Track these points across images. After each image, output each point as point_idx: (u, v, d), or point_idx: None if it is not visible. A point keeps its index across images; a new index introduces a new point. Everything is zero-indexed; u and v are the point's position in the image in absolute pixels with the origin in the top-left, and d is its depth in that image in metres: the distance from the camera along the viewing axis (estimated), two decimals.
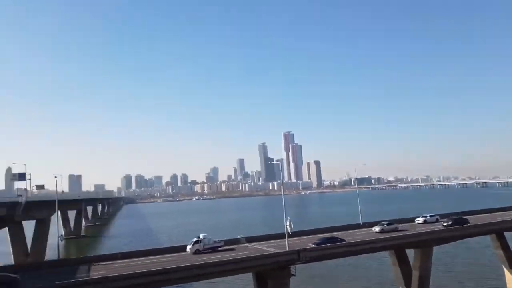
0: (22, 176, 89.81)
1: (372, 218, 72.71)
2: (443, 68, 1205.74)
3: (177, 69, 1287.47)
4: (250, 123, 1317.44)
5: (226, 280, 54.71)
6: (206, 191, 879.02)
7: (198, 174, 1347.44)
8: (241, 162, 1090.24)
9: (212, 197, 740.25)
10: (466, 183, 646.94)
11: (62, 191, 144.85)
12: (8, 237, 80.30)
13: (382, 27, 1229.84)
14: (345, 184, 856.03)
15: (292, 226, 45.80)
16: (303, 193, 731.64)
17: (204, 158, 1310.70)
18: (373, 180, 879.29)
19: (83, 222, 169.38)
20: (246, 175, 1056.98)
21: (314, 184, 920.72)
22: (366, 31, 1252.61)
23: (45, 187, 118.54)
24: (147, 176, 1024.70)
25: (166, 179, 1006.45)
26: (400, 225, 57.37)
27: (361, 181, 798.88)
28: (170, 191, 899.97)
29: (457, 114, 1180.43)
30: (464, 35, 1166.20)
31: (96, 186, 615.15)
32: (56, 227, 74.66)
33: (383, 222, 55.98)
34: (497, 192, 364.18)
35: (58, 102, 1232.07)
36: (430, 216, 62.99)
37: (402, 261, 48.28)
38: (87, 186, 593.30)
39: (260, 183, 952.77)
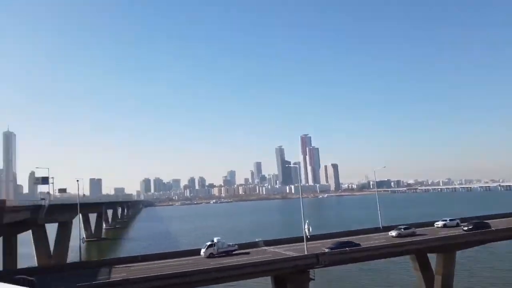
0: (45, 180, 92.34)
1: (392, 222, 71.65)
2: (462, 71, 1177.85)
3: (189, 73, 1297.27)
4: (267, 126, 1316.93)
5: (244, 284, 54.61)
6: (223, 194, 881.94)
7: (215, 177, 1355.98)
8: (258, 165, 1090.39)
9: (229, 200, 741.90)
10: (489, 186, 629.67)
11: (84, 195, 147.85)
12: (32, 239, 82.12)
13: (400, 30, 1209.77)
14: (363, 187, 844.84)
15: (310, 229, 45.50)
16: (320, 196, 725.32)
17: (221, 161, 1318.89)
18: (392, 183, 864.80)
19: (104, 225, 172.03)
20: (263, 178, 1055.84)
21: (332, 187, 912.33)
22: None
23: (67, 190, 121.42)
24: (165, 179, 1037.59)
25: (184, 182, 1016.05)
26: (418, 229, 56.27)
27: (380, 184, 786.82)
28: (188, 194, 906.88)
29: (479, 114, 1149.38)
30: None
31: (116, 189, 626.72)
32: (77, 229, 76.01)
33: (400, 227, 55.08)
34: None
35: (76, 106, 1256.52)
36: (450, 220, 61.52)
37: (424, 266, 47.36)
38: (107, 189, 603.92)
39: (277, 186, 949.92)
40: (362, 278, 61.98)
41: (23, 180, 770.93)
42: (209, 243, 47.65)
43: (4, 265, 65.32)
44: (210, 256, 46.10)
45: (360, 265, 57.55)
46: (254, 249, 49.74)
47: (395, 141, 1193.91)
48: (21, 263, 70.13)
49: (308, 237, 45.51)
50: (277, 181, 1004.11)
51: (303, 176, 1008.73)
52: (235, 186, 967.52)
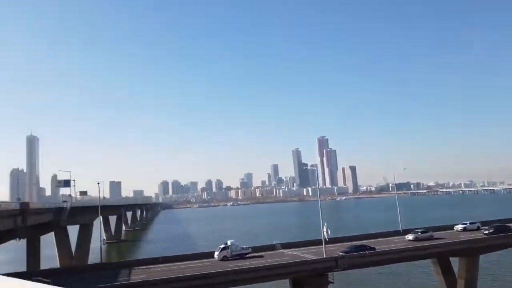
0: (67, 183, 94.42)
1: (411, 224, 70.28)
2: (487, 70, 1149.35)
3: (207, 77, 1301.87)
4: (283, 128, 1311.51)
5: (262, 286, 54.51)
6: (240, 197, 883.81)
7: (232, 180, 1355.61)
8: (275, 168, 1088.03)
9: (246, 202, 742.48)
10: None
11: (104, 197, 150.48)
12: (54, 241, 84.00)
13: (411, 28, 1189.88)
14: (382, 189, 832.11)
15: (329, 232, 45.13)
16: (338, 198, 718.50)
17: (238, 164, 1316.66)
18: (412, 186, 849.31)
19: (123, 227, 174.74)
20: (280, 181, 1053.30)
21: (350, 190, 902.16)
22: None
23: (88, 193, 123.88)
24: (183, 182, 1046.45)
25: (201, 185, 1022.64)
26: (436, 232, 55.10)
27: (399, 186, 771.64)
28: (205, 197, 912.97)
29: (500, 114, 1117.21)
30: None
31: (135, 192, 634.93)
32: (98, 231, 77.35)
33: (417, 230, 54.09)
34: None
35: (102, 108, 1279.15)
36: (470, 223, 60.02)
37: (447, 270, 46.33)
38: (126, 192, 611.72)
39: (294, 188, 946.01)
40: (382, 282, 60.96)
41: (45, 183, 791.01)
42: (222, 246, 47.78)
43: (28, 266, 66.97)
44: (224, 259, 46.19)
45: (379, 268, 56.65)
46: (270, 252, 49.61)
47: (415, 142, 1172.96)
48: (45, 265, 71.89)
49: (327, 239, 45.13)
50: (294, 184, 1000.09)
51: (320, 179, 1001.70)
52: (252, 188, 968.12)
